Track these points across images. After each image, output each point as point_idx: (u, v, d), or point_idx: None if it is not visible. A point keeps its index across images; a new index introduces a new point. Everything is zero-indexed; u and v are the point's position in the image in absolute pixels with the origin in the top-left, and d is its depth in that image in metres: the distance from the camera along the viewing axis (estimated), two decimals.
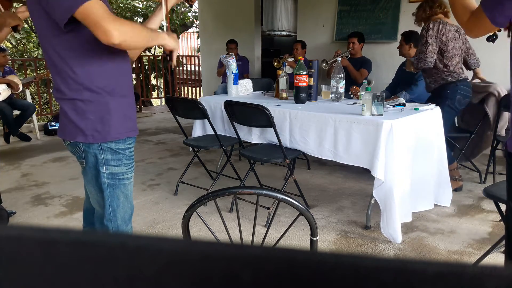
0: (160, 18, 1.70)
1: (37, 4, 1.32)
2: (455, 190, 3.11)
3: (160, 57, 8.94)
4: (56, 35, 1.34)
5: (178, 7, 11.14)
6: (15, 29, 2.12)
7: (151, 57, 9.24)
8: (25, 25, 8.22)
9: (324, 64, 4.13)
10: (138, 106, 7.23)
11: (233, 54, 3.60)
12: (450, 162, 3.12)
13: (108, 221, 1.52)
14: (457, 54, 3.04)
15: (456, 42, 3.03)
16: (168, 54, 1.54)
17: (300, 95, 3.01)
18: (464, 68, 3.11)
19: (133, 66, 7.32)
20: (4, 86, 4.65)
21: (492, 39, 3.26)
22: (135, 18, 10.38)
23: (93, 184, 1.51)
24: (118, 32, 1.24)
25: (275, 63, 4.66)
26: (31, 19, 1.44)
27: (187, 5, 1.92)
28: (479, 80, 3.43)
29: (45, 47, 1.41)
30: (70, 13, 1.24)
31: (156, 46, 11.24)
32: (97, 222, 1.61)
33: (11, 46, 8.98)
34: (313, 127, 2.67)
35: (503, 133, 3.32)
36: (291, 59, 4.69)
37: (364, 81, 3.06)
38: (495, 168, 3.35)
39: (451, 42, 2.99)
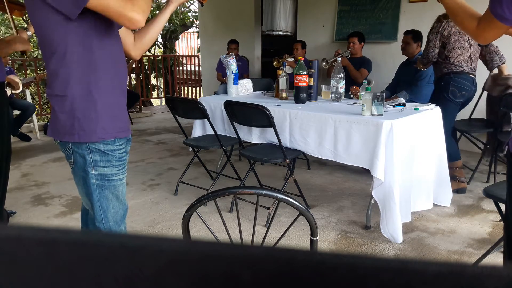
0: (166, 18, 1.71)
1: None
2: (457, 191, 3.10)
3: (160, 57, 8.94)
4: (55, 28, 1.32)
5: (178, 7, 11.12)
6: (23, 53, 2.17)
7: (151, 57, 9.23)
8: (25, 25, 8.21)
9: (324, 63, 4.13)
10: (138, 106, 7.23)
11: (233, 54, 3.60)
12: (455, 158, 3.14)
13: (99, 223, 1.50)
14: (459, 47, 3.08)
15: (460, 36, 3.07)
16: None
17: (300, 95, 3.01)
18: (469, 62, 3.13)
19: (133, 66, 7.33)
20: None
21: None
22: None
23: (82, 185, 1.49)
24: (140, 15, 1.31)
25: (275, 63, 4.66)
26: (28, 14, 1.42)
27: (199, 4, 1.96)
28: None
29: (42, 41, 1.39)
30: (82, 6, 1.25)
31: (157, 46, 11.27)
32: (91, 224, 1.60)
33: None
34: (313, 127, 2.67)
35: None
36: (291, 59, 4.69)
37: (364, 81, 3.05)
38: (496, 168, 3.35)
39: (453, 36, 3.06)
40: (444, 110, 2.90)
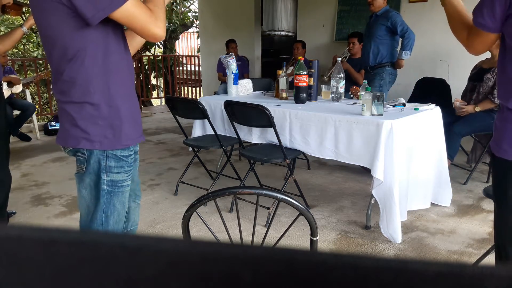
0: None
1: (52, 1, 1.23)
2: None
3: (160, 57, 8.94)
4: (73, 33, 1.27)
5: (178, 7, 11.13)
6: (3, 9, 2.16)
7: (151, 57, 9.24)
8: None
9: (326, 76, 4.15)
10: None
11: (233, 54, 3.60)
12: (451, 158, 3.25)
13: (99, 226, 1.46)
14: None
15: None
16: None
17: (300, 95, 3.01)
18: None
19: (133, 65, 7.33)
20: (4, 86, 4.65)
21: None
22: None
23: (91, 189, 1.44)
24: (162, 30, 1.33)
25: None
26: (34, 16, 1.34)
27: None
28: None
29: (54, 47, 1.31)
30: (106, 14, 1.22)
31: (157, 46, 11.27)
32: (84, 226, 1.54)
33: None
34: (314, 127, 2.67)
35: None
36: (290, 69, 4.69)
37: (364, 81, 3.06)
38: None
39: None
40: (488, 125, 3.12)
